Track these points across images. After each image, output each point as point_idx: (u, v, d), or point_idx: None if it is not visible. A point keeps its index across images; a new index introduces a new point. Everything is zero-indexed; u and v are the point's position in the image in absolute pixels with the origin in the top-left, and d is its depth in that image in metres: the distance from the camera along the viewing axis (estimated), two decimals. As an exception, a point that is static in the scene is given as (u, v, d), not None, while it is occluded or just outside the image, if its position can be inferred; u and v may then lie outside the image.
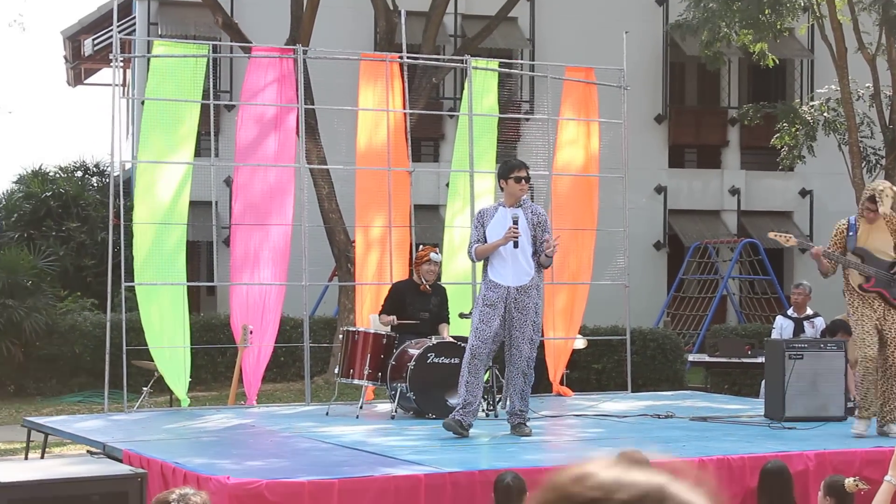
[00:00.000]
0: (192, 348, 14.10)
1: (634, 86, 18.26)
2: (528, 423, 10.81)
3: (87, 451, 10.25)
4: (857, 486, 8.04)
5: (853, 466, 9.29)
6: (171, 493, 5.02)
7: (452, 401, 11.95)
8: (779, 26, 21.64)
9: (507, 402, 10.90)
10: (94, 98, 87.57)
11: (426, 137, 27.09)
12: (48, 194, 24.60)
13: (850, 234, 11.03)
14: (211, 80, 13.77)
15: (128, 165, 17.96)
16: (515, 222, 10.51)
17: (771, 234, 11.71)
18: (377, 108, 14.68)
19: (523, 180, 10.63)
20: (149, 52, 15.00)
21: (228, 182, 21.94)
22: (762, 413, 12.15)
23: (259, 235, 14.06)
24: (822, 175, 28.49)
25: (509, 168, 10.72)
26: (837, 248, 11.03)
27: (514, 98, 27.09)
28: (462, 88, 15.66)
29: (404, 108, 14.86)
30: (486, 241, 10.65)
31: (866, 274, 10.89)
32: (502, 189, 10.78)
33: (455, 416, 10.53)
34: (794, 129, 22.56)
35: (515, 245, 10.50)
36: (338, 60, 17.70)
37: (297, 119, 14.34)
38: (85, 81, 35.85)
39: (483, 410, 12.43)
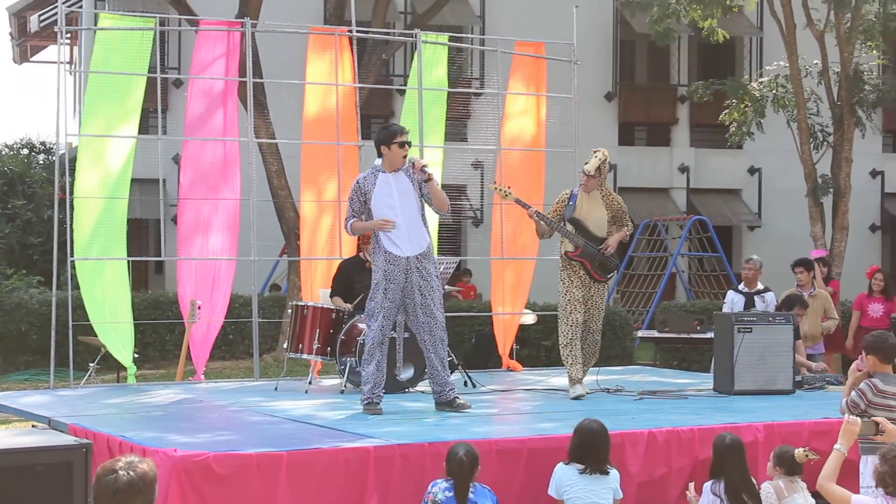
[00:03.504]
0: (137, 323, 13.98)
1: (585, 63, 18.20)
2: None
3: (32, 426, 10.14)
4: (806, 456, 8.06)
5: (801, 437, 9.34)
6: (116, 461, 4.94)
7: (402, 375, 11.92)
8: (728, 2, 21.68)
9: (432, 375, 10.41)
10: (40, 76, 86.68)
11: (376, 115, 26.98)
12: (-6, 172, 24.40)
13: (570, 203, 11.68)
14: (158, 54, 13.62)
15: (74, 142, 17.75)
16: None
17: (492, 187, 12.21)
18: (326, 82, 14.56)
19: (406, 145, 10.26)
20: (95, 25, 14.79)
21: (176, 160, 21.77)
22: (711, 387, 12.19)
23: (207, 209, 13.92)
24: (771, 153, 28.61)
25: (392, 133, 10.26)
26: (557, 216, 11.70)
27: (464, 75, 27.02)
28: (412, 65, 15.55)
29: (354, 82, 14.77)
30: (366, 215, 10.23)
31: (575, 243, 11.58)
32: (380, 155, 10.25)
33: (370, 399, 10.17)
34: (742, 106, 22.60)
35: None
36: (287, 34, 17.53)
37: (245, 93, 14.21)
38: (31, 59, 35.48)
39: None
